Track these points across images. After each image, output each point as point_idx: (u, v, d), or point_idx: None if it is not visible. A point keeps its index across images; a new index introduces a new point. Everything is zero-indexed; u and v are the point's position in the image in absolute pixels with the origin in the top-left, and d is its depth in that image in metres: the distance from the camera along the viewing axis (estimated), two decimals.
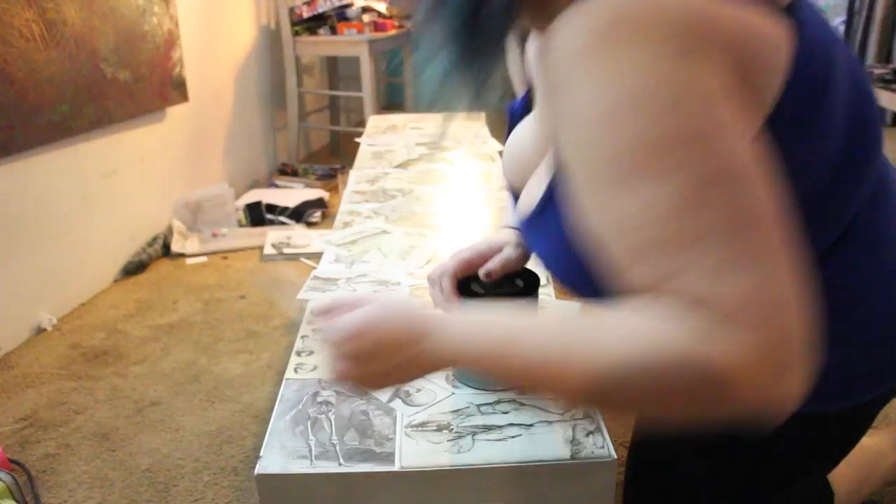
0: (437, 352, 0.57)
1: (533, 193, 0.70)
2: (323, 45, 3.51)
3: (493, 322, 0.57)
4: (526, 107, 0.85)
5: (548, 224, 0.64)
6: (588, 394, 0.52)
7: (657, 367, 0.47)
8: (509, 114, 0.85)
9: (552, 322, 0.56)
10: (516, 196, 0.80)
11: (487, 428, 0.76)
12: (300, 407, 0.80)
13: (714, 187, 0.47)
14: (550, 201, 0.63)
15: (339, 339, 0.59)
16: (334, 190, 3.30)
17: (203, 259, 2.58)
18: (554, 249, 0.65)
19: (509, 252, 0.87)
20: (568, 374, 0.51)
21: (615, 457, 0.72)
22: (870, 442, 1.26)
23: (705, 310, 0.46)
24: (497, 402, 0.81)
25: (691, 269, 0.47)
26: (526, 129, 0.81)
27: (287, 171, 3.48)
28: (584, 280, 0.60)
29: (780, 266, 0.47)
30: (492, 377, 0.68)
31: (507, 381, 0.66)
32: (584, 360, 0.50)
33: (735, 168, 0.48)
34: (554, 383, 0.53)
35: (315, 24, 3.50)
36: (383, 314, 0.59)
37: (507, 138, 0.85)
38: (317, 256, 2.53)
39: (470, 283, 0.88)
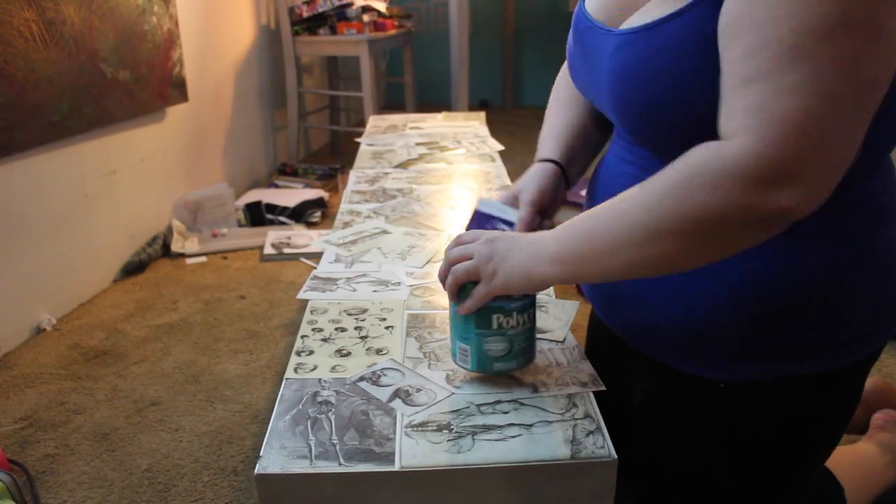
0: (542, 238, 0.72)
1: (638, 18, 0.70)
2: (323, 44, 3.51)
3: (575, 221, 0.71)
4: None
5: (664, 36, 0.65)
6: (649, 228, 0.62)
7: (686, 165, 0.60)
8: None
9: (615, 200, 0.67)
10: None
11: (487, 428, 0.76)
12: (300, 407, 0.80)
13: (848, 35, 0.53)
14: (678, 17, 0.64)
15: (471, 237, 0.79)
16: (334, 190, 3.30)
17: (203, 259, 2.58)
18: (661, 60, 0.66)
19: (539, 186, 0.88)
20: (632, 215, 0.63)
21: (615, 457, 0.72)
22: (858, 448, 1.28)
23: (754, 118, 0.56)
24: (497, 403, 0.81)
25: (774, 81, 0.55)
26: None
27: (287, 171, 3.48)
28: (679, 100, 0.65)
29: (835, 115, 0.55)
30: (586, 261, 0.69)
31: (598, 258, 0.68)
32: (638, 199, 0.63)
33: (881, 31, 0.54)
34: (626, 234, 0.64)
35: (315, 23, 3.50)
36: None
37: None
38: (316, 256, 2.54)
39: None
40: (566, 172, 0.90)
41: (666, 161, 0.63)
